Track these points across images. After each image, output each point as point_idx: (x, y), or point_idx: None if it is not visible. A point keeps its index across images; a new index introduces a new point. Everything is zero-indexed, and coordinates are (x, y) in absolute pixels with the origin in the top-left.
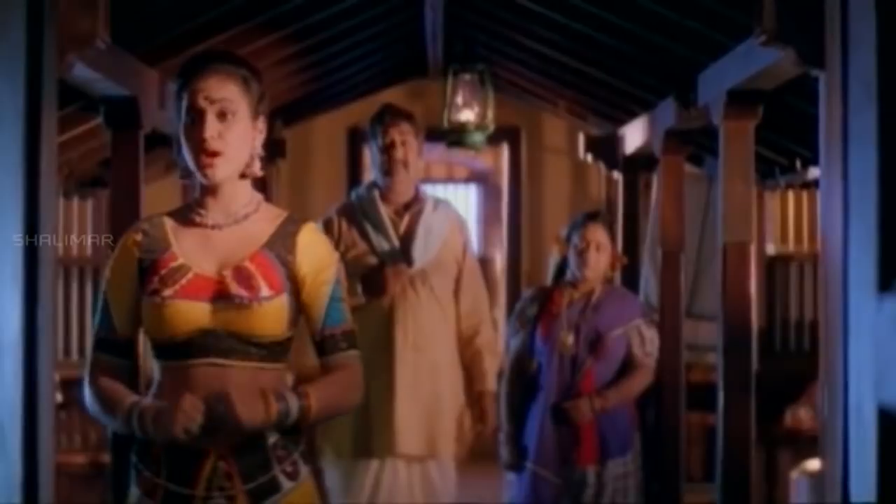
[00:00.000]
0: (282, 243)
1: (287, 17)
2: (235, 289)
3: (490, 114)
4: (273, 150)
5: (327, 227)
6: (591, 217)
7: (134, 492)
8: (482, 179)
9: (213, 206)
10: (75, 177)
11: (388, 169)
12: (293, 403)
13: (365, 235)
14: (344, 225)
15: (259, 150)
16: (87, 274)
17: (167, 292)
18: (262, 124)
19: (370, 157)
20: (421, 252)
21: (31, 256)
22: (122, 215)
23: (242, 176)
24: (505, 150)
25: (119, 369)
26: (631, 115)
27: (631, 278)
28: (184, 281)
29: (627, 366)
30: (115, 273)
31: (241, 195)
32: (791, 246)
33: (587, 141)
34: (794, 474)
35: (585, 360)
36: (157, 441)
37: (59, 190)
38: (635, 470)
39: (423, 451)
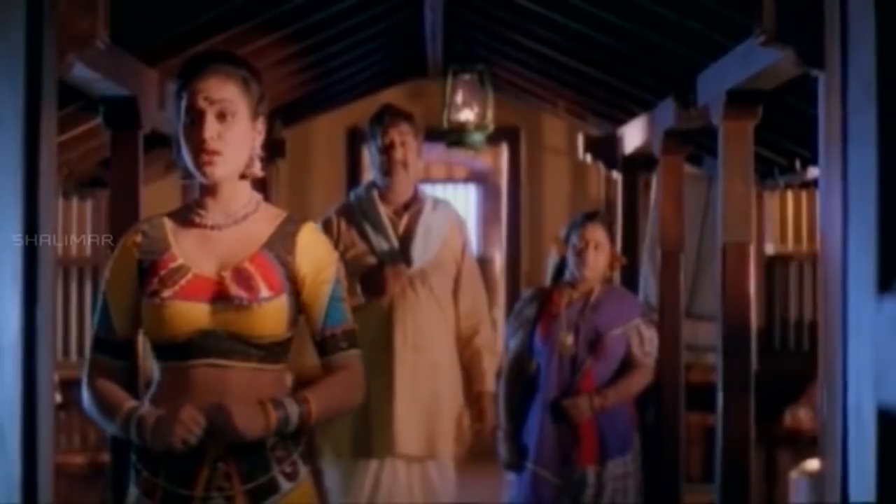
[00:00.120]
0: (281, 243)
1: (286, 17)
2: (235, 290)
3: (490, 114)
4: (272, 150)
5: (326, 228)
6: (590, 217)
7: (133, 492)
8: (481, 179)
9: (212, 207)
10: (75, 177)
11: (387, 169)
12: (292, 410)
13: (364, 235)
14: (343, 225)
15: (258, 151)
16: (86, 274)
17: (167, 293)
18: (261, 125)
19: (369, 157)
20: (420, 252)
21: (31, 256)
22: (122, 215)
23: (242, 176)
24: (504, 150)
25: (117, 370)
26: (630, 116)
27: (630, 278)
28: (183, 282)
29: (627, 365)
30: (115, 274)
31: (241, 195)
32: (790, 246)
33: (587, 141)
34: (794, 474)
35: (585, 360)
36: (155, 448)
37: (58, 190)
38: (635, 470)
39: (422, 451)
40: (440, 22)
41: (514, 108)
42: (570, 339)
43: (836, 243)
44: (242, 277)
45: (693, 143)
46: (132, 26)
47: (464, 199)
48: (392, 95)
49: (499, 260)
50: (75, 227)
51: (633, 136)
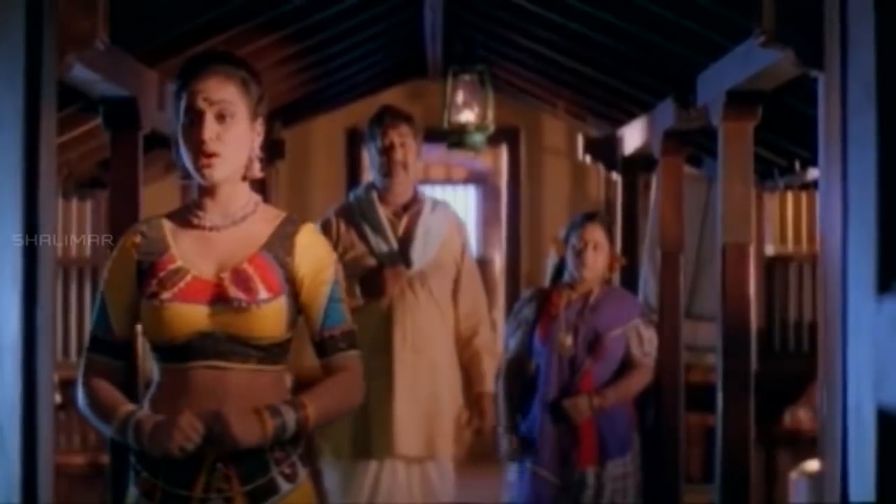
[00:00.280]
0: (280, 245)
1: (286, 17)
2: (234, 291)
3: (490, 114)
4: (272, 151)
5: (326, 229)
6: (589, 217)
7: (133, 492)
8: (481, 180)
9: (211, 208)
10: (74, 177)
11: (387, 171)
12: (289, 417)
13: (363, 237)
14: (342, 226)
15: (258, 152)
16: (86, 275)
17: (166, 295)
18: (260, 126)
19: (369, 158)
20: (420, 253)
21: (31, 257)
22: (121, 216)
23: (241, 178)
24: (504, 151)
25: (114, 371)
26: (630, 116)
27: (630, 279)
28: (182, 284)
29: (626, 366)
30: (114, 274)
31: (240, 197)
32: (790, 247)
33: (586, 142)
34: (794, 475)
35: (584, 360)
36: (153, 453)
37: (58, 191)
38: (634, 471)
39: (421, 452)
40: (440, 22)
41: (513, 108)
42: (569, 340)
43: (836, 244)
44: (241, 279)
45: (693, 143)
46: (132, 27)
47: (463, 201)
48: (391, 96)
49: (498, 261)
50: (75, 228)
51: (633, 136)
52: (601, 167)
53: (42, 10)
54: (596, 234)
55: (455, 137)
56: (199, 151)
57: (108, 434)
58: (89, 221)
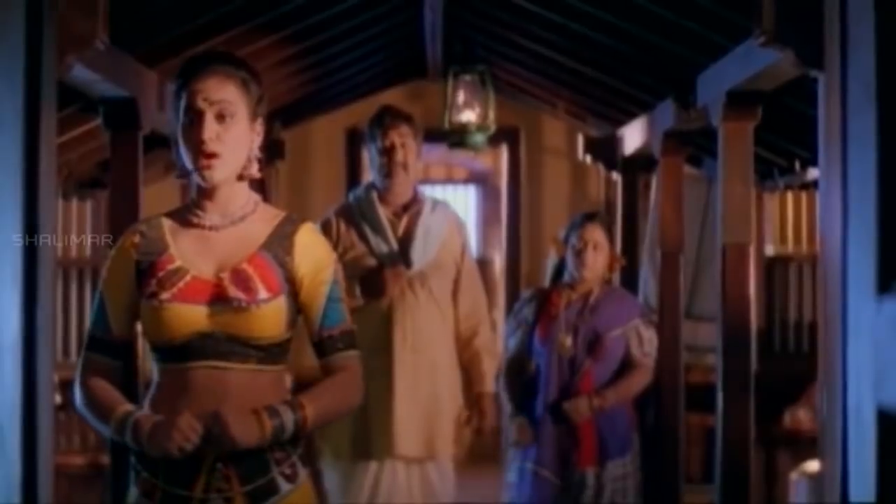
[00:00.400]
0: (279, 244)
1: (286, 18)
2: (233, 291)
3: (491, 114)
4: (272, 151)
5: (326, 229)
6: (589, 217)
7: (133, 492)
8: (481, 180)
9: (210, 208)
10: (74, 178)
11: (387, 172)
12: (288, 418)
13: (363, 237)
14: (342, 226)
15: (257, 152)
16: (86, 275)
17: (165, 295)
18: (259, 126)
19: (368, 158)
20: (420, 254)
21: (31, 257)
22: (121, 216)
23: (240, 178)
24: (504, 151)
25: (112, 370)
26: (630, 117)
27: (630, 279)
28: (181, 284)
29: (626, 366)
30: (113, 273)
31: (239, 197)
32: (790, 247)
33: (586, 142)
34: (794, 475)
35: (584, 361)
36: (151, 454)
37: (58, 191)
38: (634, 471)
39: (421, 452)
40: (440, 23)
41: (513, 109)
42: (568, 341)
43: (836, 244)
44: (241, 279)
45: (693, 144)
46: (132, 27)
47: (463, 201)
48: (391, 96)
49: (498, 261)
50: (75, 228)
51: (633, 137)
52: (601, 167)
53: (42, 10)
54: (595, 233)
55: (456, 137)
56: (199, 151)
57: (106, 433)
58: (89, 222)
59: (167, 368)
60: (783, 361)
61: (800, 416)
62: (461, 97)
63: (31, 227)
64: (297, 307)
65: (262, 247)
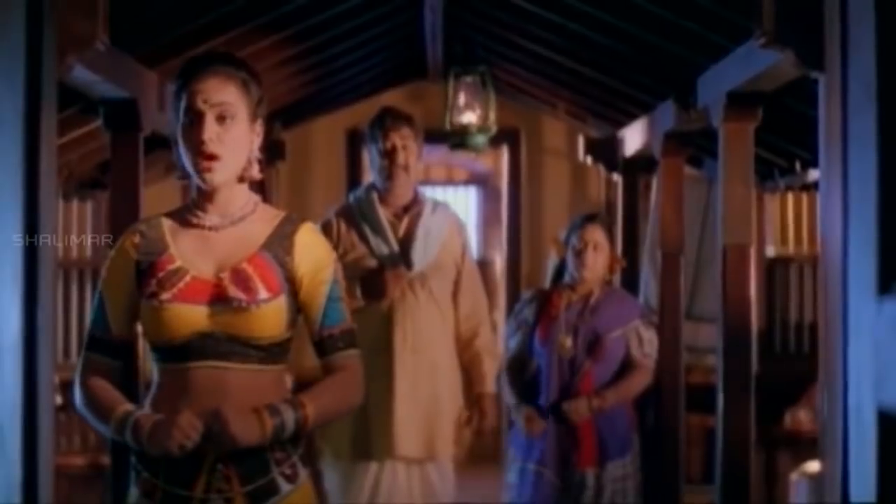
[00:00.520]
0: (279, 244)
1: (286, 19)
2: (233, 291)
3: (492, 115)
4: (272, 152)
5: (326, 230)
6: (589, 218)
7: (133, 492)
8: (482, 181)
9: (210, 209)
10: (75, 179)
11: (388, 173)
12: (288, 417)
13: (364, 238)
14: (343, 227)
15: (257, 154)
16: (86, 276)
17: (165, 296)
18: (260, 127)
19: (369, 159)
20: (420, 255)
21: (31, 258)
22: (122, 217)
23: (241, 180)
24: (504, 152)
25: (112, 370)
26: (630, 117)
27: (630, 280)
28: (181, 284)
29: (626, 367)
30: (112, 273)
31: (238, 197)
32: (791, 248)
33: (587, 143)
34: (794, 476)
35: (584, 361)
36: (151, 453)
37: (58, 192)
38: (634, 472)
39: (422, 453)
40: (440, 24)
41: (514, 110)
42: (569, 341)
43: (837, 245)
44: (241, 279)
45: (693, 144)
46: (132, 28)
47: (464, 202)
48: (392, 97)
49: (499, 262)
50: (75, 229)
51: (634, 137)
52: (602, 168)
53: (42, 11)
54: (596, 234)
55: (457, 139)
56: (199, 152)
57: (106, 433)
58: (90, 222)
59: (167, 368)
60: (784, 362)
61: (800, 417)
62: (462, 98)
63: (31, 227)
64: (298, 307)
65: (262, 247)
